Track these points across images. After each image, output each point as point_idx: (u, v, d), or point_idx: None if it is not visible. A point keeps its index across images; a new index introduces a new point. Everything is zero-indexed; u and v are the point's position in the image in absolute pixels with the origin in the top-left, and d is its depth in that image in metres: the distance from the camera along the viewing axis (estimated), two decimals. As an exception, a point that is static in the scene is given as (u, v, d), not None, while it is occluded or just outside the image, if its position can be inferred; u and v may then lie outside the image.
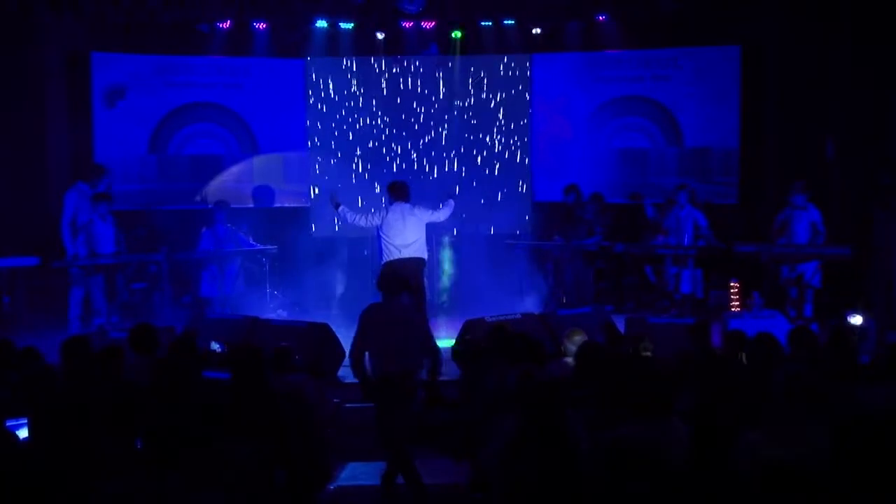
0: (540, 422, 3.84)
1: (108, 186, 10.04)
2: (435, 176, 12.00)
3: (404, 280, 6.13)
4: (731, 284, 9.64)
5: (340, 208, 8.68)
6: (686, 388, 4.48)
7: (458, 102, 12.04)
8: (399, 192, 8.45)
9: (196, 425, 3.56)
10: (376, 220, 8.40)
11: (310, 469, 5.05)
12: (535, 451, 3.79)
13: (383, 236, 8.32)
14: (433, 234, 9.84)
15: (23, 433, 4.01)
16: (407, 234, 8.27)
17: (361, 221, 8.57)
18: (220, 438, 3.83)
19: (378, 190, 11.48)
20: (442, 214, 8.58)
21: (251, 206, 11.87)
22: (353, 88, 12.11)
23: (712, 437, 3.78)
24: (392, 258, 8.30)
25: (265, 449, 4.14)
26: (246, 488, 3.76)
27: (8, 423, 3.95)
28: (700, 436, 3.77)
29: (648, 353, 5.87)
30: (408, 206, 8.38)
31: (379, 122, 12.11)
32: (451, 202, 8.67)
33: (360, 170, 12.06)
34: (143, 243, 10.26)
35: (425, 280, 8.67)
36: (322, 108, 12.13)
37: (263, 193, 12.05)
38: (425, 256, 8.50)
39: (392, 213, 8.31)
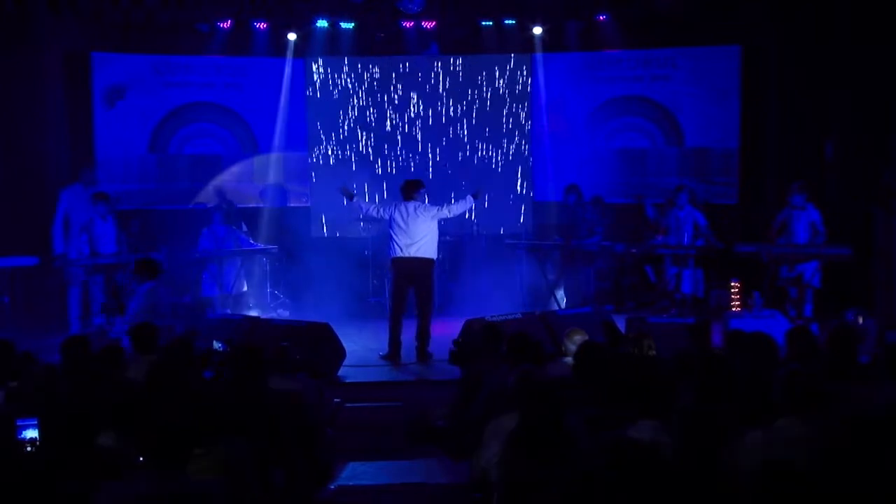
0: (540, 422, 3.84)
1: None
2: (433, 175, 12.06)
3: (155, 267, 8.00)
4: (732, 284, 9.64)
5: (355, 199, 8.77)
6: (686, 388, 4.48)
7: (458, 102, 12.05)
8: (407, 190, 8.55)
9: (194, 425, 3.56)
10: (385, 215, 8.49)
11: (310, 469, 5.05)
12: (534, 451, 3.79)
13: (390, 232, 8.43)
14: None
15: (30, 433, 4.01)
16: (411, 233, 8.34)
17: (374, 212, 8.72)
18: (220, 438, 3.83)
19: (367, 187, 11.63)
20: (452, 210, 8.56)
21: (252, 205, 11.87)
22: (353, 88, 12.12)
23: (712, 437, 3.78)
24: (396, 255, 8.38)
25: (265, 449, 4.14)
26: (245, 488, 3.76)
27: (18, 423, 3.96)
28: (700, 436, 3.77)
29: (653, 352, 5.85)
30: (414, 204, 8.45)
31: (379, 121, 12.12)
32: (470, 199, 8.69)
33: (360, 170, 12.08)
34: (137, 239, 10.27)
35: (433, 280, 8.70)
36: (322, 107, 12.14)
37: (275, 193, 12.09)
38: (433, 256, 8.51)
39: (398, 211, 8.39)
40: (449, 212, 8.54)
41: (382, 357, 8.42)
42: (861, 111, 9.63)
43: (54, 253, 9.40)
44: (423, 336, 8.39)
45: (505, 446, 3.92)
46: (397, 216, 8.38)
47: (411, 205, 8.42)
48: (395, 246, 8.39)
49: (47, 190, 10.50)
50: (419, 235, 8.36)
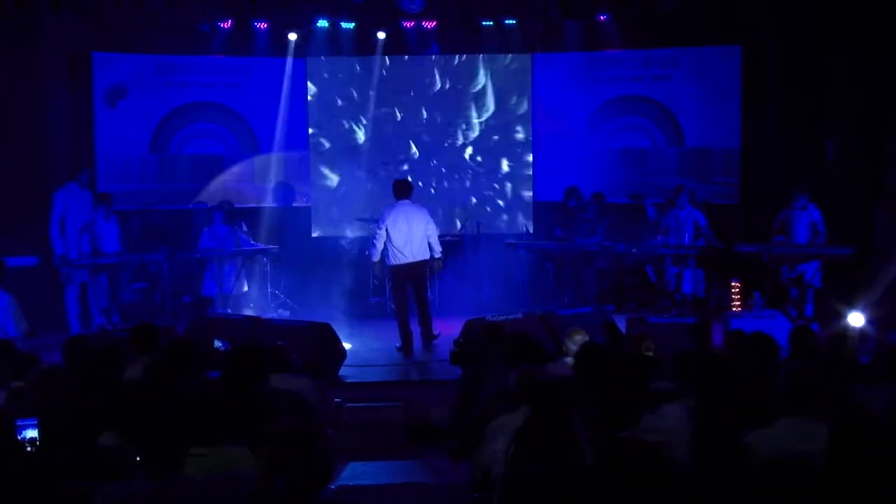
0: (549, 420, 3.83)
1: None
2: (433, 175, 12.08)
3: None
4: (732, 284, 9.64)
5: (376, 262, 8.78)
6: (686, 388, 4.47)
7: (458, 102, 12.04)
8: (402, 189, 8.65)
9: (193, 426, 3.56)
10: (382, 230, 8.52)
11: (310, 469, 5.04)
12: (542, 450, 3.78)
13: (389, 236, 8.48)
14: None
15: (31, 433, 4.01)
16: (409, 233, 8.48)
17: (380, 237, 8.58)
18: (220, 438, 3.83)
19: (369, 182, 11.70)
20: (434, 236, 8.61)
21: (252, 205, 11.88)
22: (354, 88, 12.12)
23: (713, 437, 3.78)
24: (395, 263, 8.49)
25: (265, 449, 4.14)
26: (245, 488, 3.76)
27: (18, 423, 3.96)
28: (700, 436, 3.77)
29: (650, 353, 5.85)
30: (407, 203, 8.53)
31: (379, 121, 12.12)
32: (439, 249, 8.70)
33: (361, 169, 12.08)
34: (139, 237, 10.27)
35: (427, 279, 8.85)
36: (323, 107, 12.14)
37: (284, 192, 12.11)
38: (427, 257, 8.63)
39: (393, 214, 8.46)
40: (434, 233, 8.61)
41: (398, 349, 8.63)
42: (861, 111, 9.62)
43: (55, 255, 9.39)
44: (425, 321, 8.66)
45: (511, 445, 3.91)
46: (395, 218, 8.46)
47: (404, 204, 8.51)
48: (393, 252, 8.51)
49: (48, 190, 10.50)
50: (417, 234, 8.48)
